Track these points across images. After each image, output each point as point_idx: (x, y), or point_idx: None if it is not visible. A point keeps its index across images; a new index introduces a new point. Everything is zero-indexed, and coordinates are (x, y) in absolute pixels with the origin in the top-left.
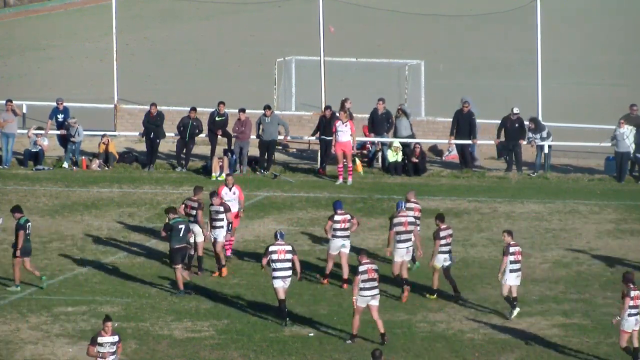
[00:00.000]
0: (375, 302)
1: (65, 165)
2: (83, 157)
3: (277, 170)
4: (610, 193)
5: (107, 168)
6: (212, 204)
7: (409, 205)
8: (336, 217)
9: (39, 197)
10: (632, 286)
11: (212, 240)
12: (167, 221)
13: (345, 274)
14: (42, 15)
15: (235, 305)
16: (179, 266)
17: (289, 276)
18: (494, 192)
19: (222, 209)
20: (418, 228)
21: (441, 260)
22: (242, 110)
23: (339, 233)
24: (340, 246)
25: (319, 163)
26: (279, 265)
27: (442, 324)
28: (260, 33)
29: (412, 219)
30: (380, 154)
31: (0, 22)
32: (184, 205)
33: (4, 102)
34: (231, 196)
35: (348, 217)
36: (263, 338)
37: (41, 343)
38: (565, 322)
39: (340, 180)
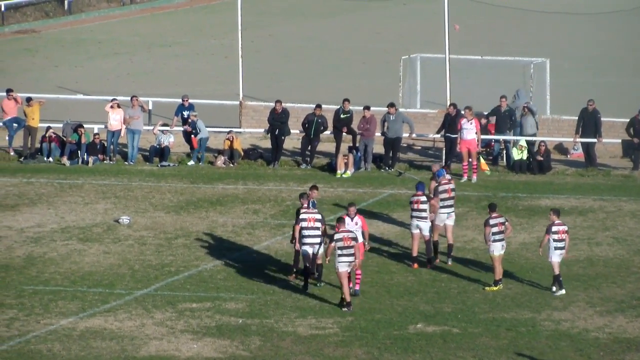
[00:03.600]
0: (348, 269)
1: (192, 162)
2: (207, 154)
3: (402, 168)
4: None
5: (231, 165)
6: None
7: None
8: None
9: (164, 193)
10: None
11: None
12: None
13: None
14: (168, 12)
15: (359, 303)
16: None
17: (317, 243)
18: (619, 190)
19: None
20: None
21: (499, 247)
22: (367, 108)
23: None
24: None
25: (443, 161)
26: (307, 232)
27: (566, 322)
28: (385, 30)
29: (453, 186)
30: (504, 152)
31: (127, 18)
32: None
33: (129, 98)
34: (353, 226)
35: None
36: (387, 335)
37: (166, 339)
38: None
39: (465, 178)
